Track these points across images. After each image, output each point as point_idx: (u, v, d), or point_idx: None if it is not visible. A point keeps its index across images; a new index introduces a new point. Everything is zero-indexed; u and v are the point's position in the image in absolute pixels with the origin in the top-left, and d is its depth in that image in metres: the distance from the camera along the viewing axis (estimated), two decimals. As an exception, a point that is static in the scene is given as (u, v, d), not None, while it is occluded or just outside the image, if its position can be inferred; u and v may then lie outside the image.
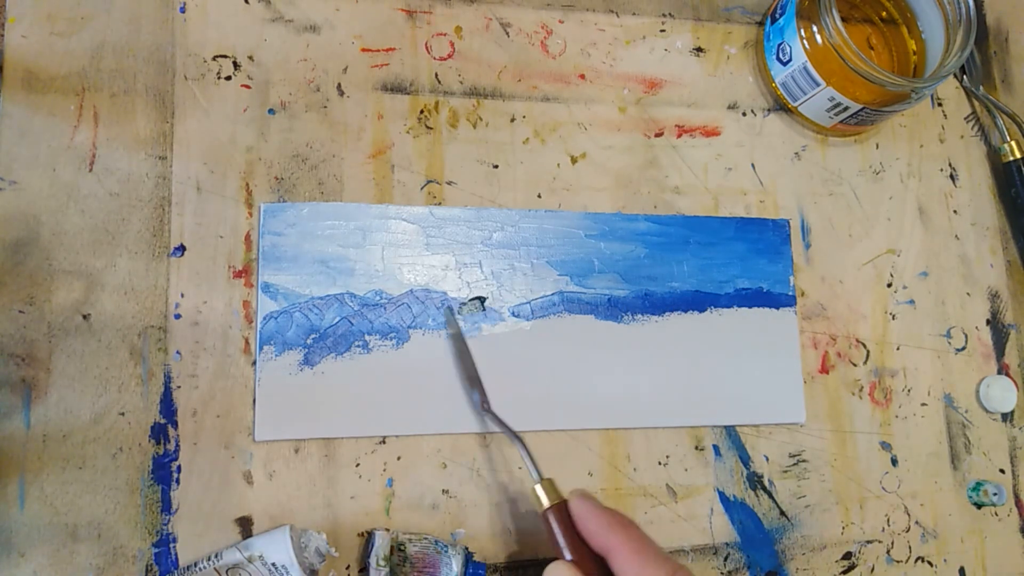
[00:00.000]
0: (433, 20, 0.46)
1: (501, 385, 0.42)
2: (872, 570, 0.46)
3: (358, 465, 0.41)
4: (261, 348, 0.40)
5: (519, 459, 0.43)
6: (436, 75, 0.46)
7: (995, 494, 0.48)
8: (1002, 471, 0.50)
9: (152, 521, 0.38)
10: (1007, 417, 0.50)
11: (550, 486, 0.37)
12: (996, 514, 0.49)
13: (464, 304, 0.43)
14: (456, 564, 0.38)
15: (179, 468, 0.39)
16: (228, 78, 0.43)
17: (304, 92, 0.44)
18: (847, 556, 0.46)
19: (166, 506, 0.38)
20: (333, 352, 0.41)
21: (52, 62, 0.41)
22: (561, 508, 0.37)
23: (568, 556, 0.36)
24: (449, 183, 0.45)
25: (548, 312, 0.44)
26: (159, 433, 0.39)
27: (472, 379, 0.42)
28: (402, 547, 0.39)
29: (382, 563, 0.38)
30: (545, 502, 0.37)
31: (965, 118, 0.54)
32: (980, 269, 0.52)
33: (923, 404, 0.49)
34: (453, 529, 0.41)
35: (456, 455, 0.42)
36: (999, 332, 0.51)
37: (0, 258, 0.39)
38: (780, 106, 0.50)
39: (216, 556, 0.37)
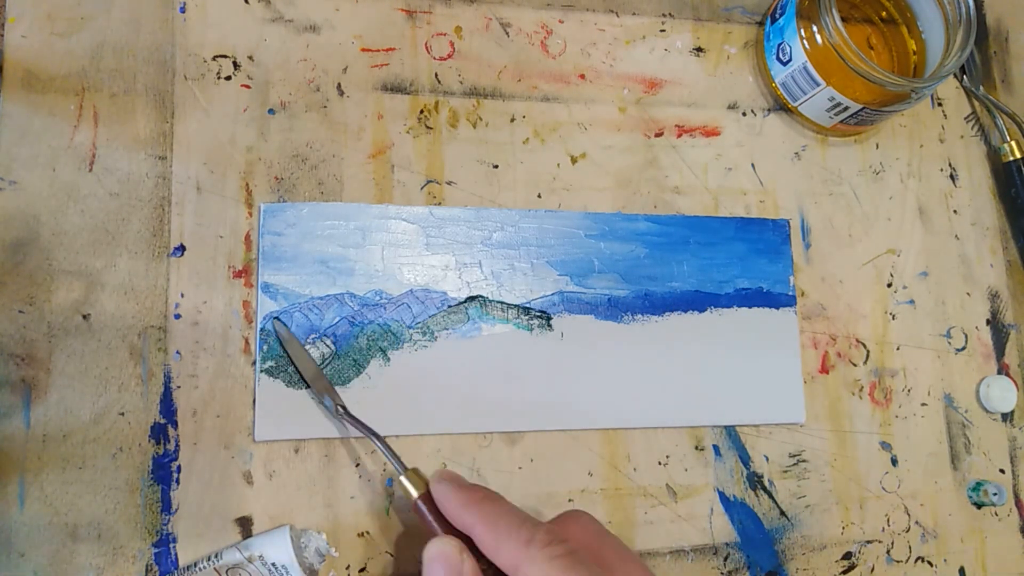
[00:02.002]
0: (433, 20, 0.46)
1: (501, 385, 0.42)
2: (872, 570, 0.46)
3: (358, 465, 0.41)
4: (261, 348, 0.40)
5: (519, 458, 0.43)
6: (436, 75, 0.46)
7: (995, 494, 0.48)
8: (1002, 471, 0.50)
9: (152, 521, 0.38)
10: (1007, 417, 0.50)
11: (416, 476, 0.36)
12: (996, 514, 0.49)
13: (456, 305, 0.43)
14: None
15: (179, 468, 0.39)
16: (228, 78, 0.43)
17: (304, 92, 0.44)
18: (847, 556, 0.46)
19: (166, 506, 0.38)
20: (333, 352, 0.41)
21: (52, 62, 0.41)
22: (429, 496, 0.35)
23: None
24: (449, 183, 0.45)
25: (548, 312, 0.44)
26: (159, 433, 0.39)
27: (318, 383, 0.40)
28: None
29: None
30: (413, 493, 0.35)
31: (965, 118, 0.54)
32: (980, 269, 0.52)
33: (923, 404, 0.49)
34: (453, 529, 0.41)
35: (456, 455, 0.42)
36: (999, 332, 0.51)
37: (0, 258, 0.39)
38: (780, 106, 0.50)
39: (216, 556, 0.37)
